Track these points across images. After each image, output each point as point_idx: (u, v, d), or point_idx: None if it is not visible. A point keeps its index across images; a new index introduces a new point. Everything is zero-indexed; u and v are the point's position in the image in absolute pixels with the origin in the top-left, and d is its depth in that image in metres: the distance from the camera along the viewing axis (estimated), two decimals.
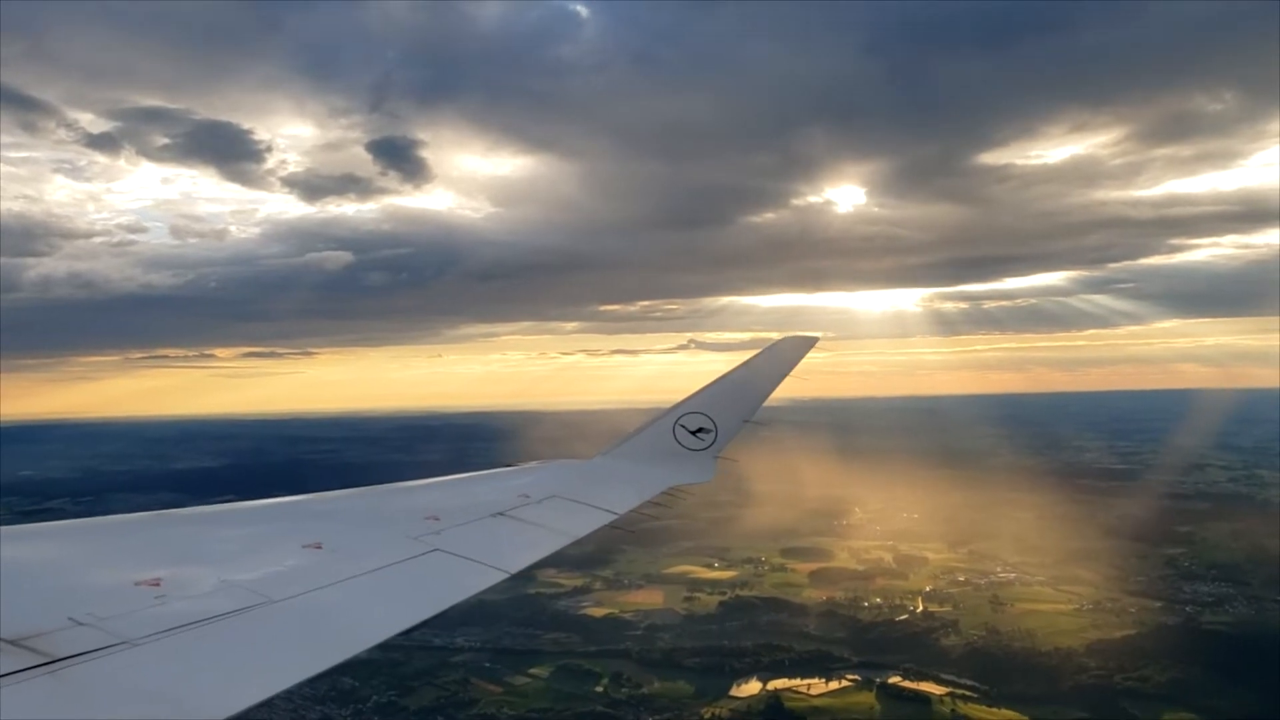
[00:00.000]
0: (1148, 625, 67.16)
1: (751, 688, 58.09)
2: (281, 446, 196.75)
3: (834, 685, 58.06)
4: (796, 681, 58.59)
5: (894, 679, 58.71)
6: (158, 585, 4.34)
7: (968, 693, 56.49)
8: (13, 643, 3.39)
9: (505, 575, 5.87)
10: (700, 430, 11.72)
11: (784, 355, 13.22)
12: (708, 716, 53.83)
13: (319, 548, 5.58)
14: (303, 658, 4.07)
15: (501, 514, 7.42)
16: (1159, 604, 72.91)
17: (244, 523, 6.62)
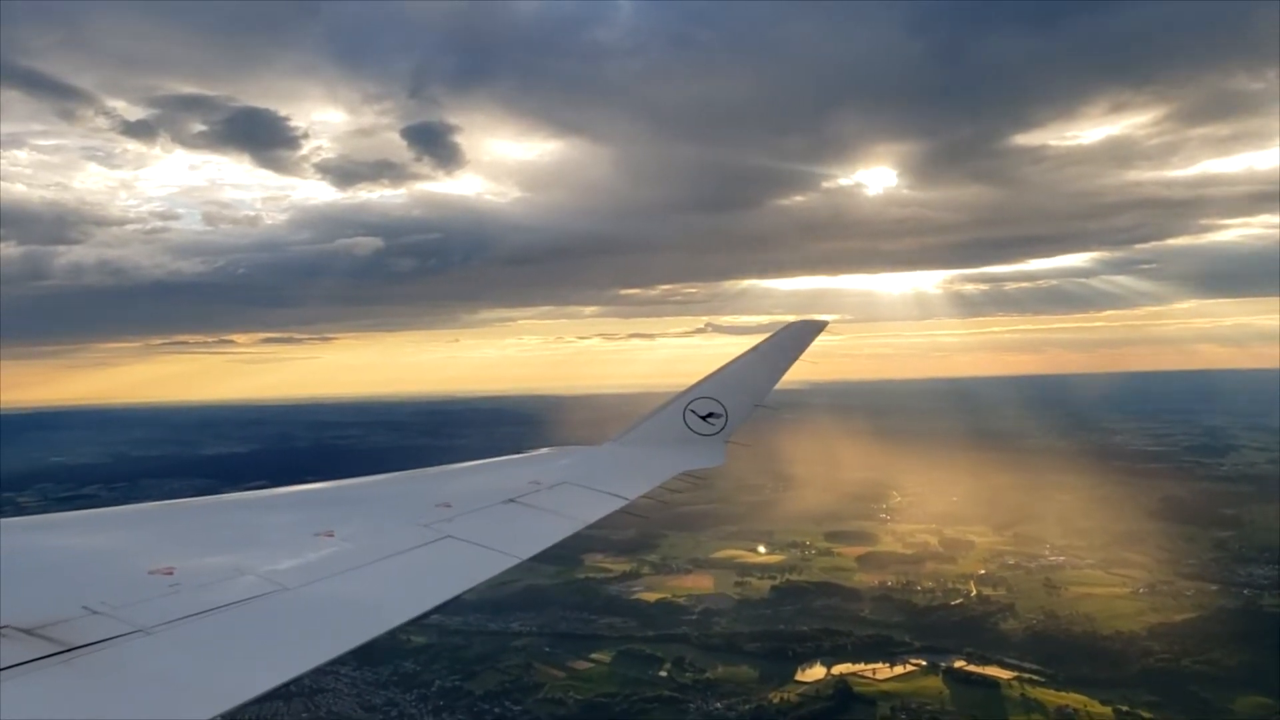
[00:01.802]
0: (1207, 608, 66.68)
1: (816, 672, 57.93)
2: (307, 432, 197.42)
3: (899, 670, 57.81)
4: (861, 666, 58.36)
5: (958, 663, 58.53)
6: (171, 574, 4.42)
7: (1034, 677, 56.25)
8: (28, 631, 3.45)
9: (516, 561, 5.93)
10: (710, 415, 11.79)
11: (794, 339, 13.23)
12: (776, 701, 53.85)
13: (331, 535, 5.65)
14: (315, 644, 4.15)
15: (513, 500, 7.50)
16: (1215, 587, 72.33)
17: (255, 511, 6.76)
